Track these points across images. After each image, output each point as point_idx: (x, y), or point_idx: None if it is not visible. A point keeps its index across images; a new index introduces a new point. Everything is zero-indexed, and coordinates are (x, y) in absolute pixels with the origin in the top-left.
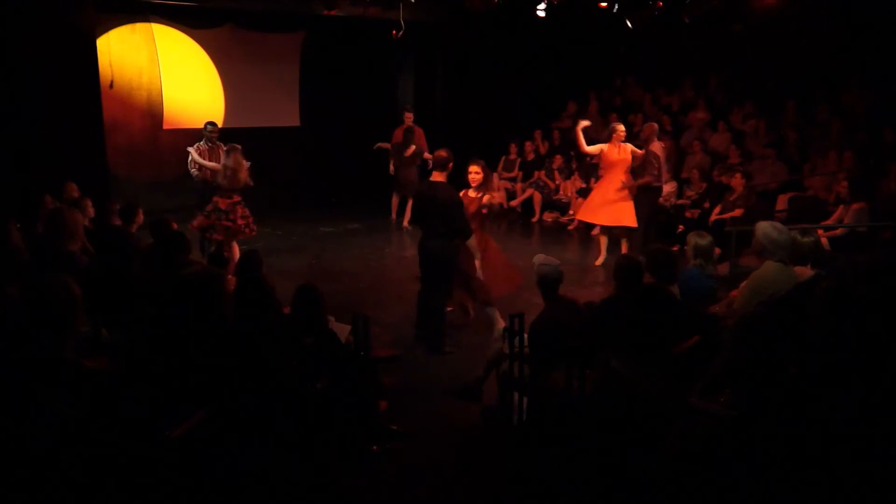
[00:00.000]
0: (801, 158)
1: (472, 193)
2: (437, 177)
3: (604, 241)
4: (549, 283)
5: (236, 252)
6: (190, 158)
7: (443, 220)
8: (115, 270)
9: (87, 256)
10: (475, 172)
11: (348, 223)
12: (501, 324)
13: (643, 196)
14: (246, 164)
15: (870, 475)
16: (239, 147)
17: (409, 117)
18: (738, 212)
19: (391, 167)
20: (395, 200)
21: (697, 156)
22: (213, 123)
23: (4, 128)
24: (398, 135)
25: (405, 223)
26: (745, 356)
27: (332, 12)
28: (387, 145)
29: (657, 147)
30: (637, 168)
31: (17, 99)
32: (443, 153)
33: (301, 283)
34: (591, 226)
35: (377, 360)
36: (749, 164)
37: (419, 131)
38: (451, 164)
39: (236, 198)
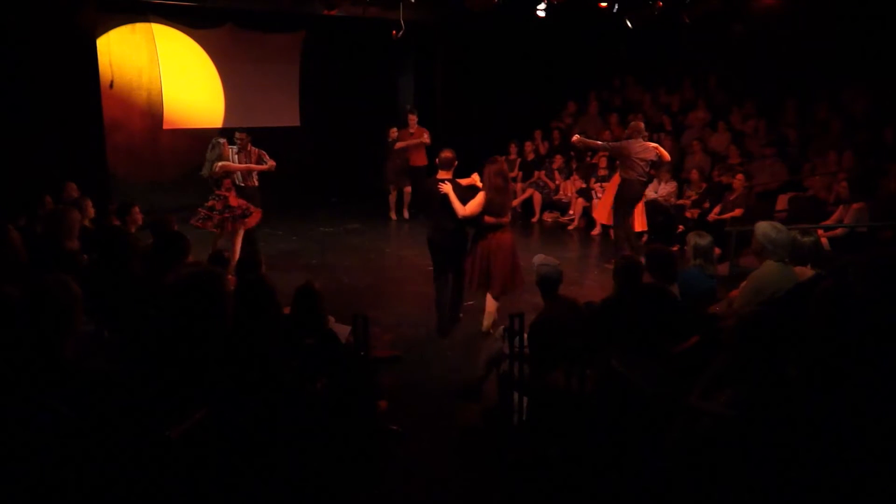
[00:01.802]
0: (802, 158)
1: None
2: (444, 175)
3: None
4: (548, 283)
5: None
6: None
7: (450, 215)
8: (115, 270)
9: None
10: None
11: (348, 223)
12: (487, 324)
13: (620, 191)
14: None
15: (870, 475)
16: (222, 141)
17: (412, 119)
18: (738, 212)
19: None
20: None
21: (697, 156)
22: (242, 130)
23: (5, 128)
24: (394, 133)
25: (405, 213)
26: (745, 356)
27: (332, 12)
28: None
29: (637, 144)
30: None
31: (17, 99)
32: (448, 153)
33: (301, 283)
34: (592, 226)
35: (377, 360)
36: (749, 164)
37: (420, 130)
38: (456, 164)
39: (216, 191)
